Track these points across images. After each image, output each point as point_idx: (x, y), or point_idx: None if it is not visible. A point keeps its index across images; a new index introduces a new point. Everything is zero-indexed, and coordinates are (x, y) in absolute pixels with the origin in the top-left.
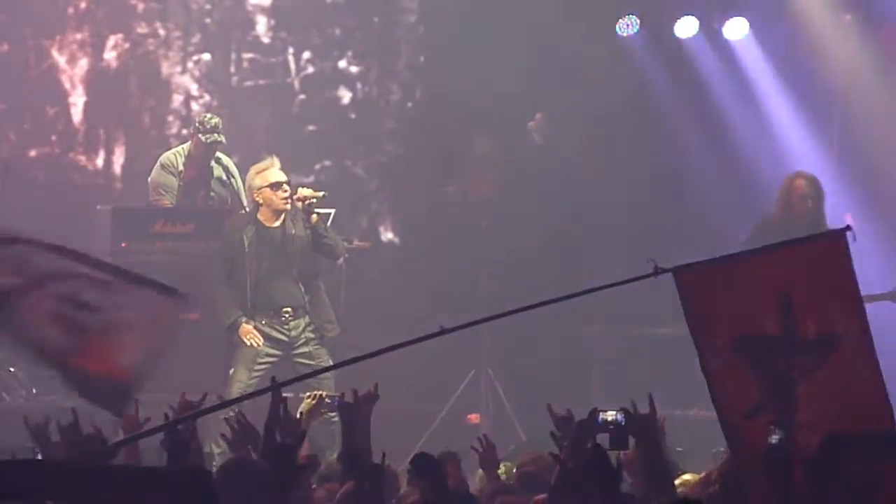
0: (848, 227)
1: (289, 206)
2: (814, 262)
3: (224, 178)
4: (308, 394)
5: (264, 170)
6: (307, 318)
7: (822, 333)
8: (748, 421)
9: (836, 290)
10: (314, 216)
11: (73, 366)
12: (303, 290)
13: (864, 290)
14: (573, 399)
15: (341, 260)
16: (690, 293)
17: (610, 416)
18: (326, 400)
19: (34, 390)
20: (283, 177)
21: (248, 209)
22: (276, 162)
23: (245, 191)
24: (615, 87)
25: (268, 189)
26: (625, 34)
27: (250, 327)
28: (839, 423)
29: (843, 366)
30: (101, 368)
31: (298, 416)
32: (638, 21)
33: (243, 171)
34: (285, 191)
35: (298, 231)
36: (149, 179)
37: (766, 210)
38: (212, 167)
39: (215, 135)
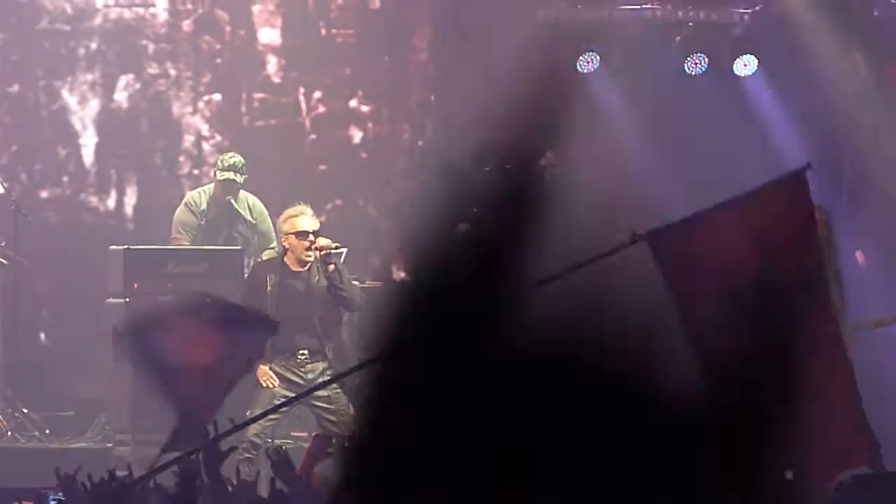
0: (808, 165)
1: (311, 257)
2: (779, 202)
3: (250, 219)
4: (315, 434)
5: (292, 217)
6: (325, 363)
7: (798, 275)
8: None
9: (800, 229)
10: (331, 266)
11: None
12: (322, 336)
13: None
14: None
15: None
16: (665, 256)
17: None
18: (333, 441)
19: (48, 431)
20: (310, 226)
21: (275, 249)
22: (307, 210)
23: (271, 234)
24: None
25: (293, 237)
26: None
27: (266, 369)
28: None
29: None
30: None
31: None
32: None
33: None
34: (310, 240)
35: (322, 279)
36: (174, 217)
37: None
38: (237, 208)
39: (229, 173)
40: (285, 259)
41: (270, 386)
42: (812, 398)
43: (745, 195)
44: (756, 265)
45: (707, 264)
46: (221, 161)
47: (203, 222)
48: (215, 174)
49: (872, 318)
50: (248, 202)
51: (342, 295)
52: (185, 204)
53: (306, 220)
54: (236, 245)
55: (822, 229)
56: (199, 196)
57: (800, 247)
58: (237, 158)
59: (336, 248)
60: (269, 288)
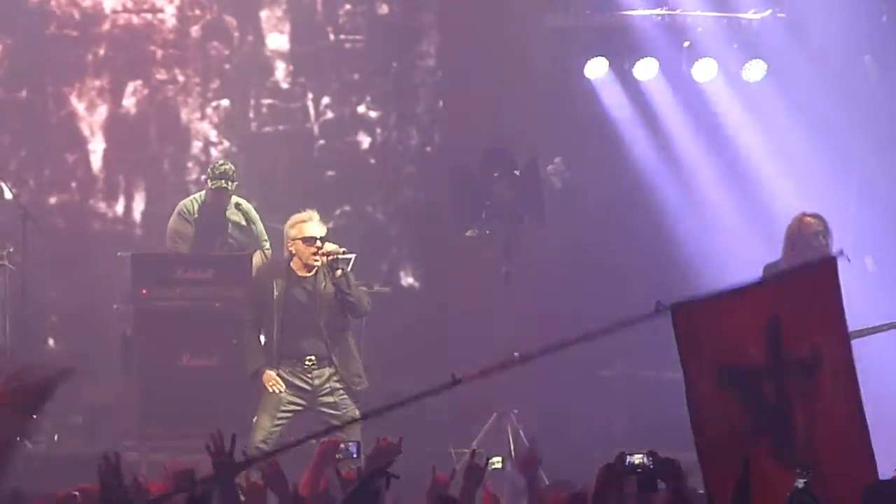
0: (840, 252)
1: (318, 263)
2: (804, 287)
3: (243, 223)
4: (323, 440)
5: (300, 222)
6: (332, 369)
7: (810, 356)
8: (734, 443)
9: (825, 315)
10: (339, 272)
11: None
12: (329, 342)
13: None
14: (596, 441)
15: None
16: (684, 328)
17: (637, 459)
18: (342, 446)
19: (56, 437)
20: (318, 232)
21: (268, 254)
22: (315, 216)
23: (267, 243)
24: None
25: (300, 242)
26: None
27: (273, 374)
28: (828, 461)
29: (828, 399)
30: None
31: (315, 460)
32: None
33: (262, 217)
34: (318, 247)
35: (329, 285)
36: (168, 227)
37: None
38: (228, 214)
39: (221, 181)
40: (291, 265)
41: (277, 391)
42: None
43: (775, 277)
44: (765, 349)
45: (716, 340)
46: (212, 169)
47: (196, 230)
48: (207, 182)
49: (868, 326)
50: (242, 208)
51: (350, 300)
52: (178, 213)
53: (314, 225)
54: (231, 250)
55: (825, 236)
56: (191, 204)
57: (822, 331)
58: (228, 166)
59: (343, 253)
60: (275, 293)
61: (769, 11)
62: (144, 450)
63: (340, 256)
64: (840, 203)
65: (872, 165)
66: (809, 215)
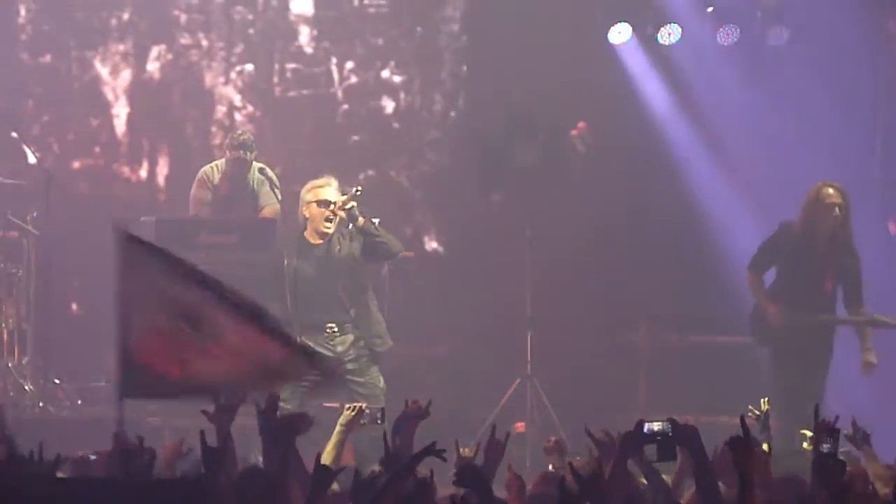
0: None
1: (330, 229)
2: None
3: (267, 190)
4: (349, 405)
5: (318, 187)
6: (354, 334)
7: None
8: None
9: None
10: (360, 220)
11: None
12: (348, 307)
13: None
14: (618, 407)
15: (385, 269)
16: None
17: (656, 426)
18: (366, 411)
19: (79, 401)
20: (335, 197)
21: (277, 206)
22: (334, 182)
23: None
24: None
25: (315, 205)
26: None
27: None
28: None
29: None
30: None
31: (339, 427)
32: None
33: (285, 183)
34: (332, 213)
35: (344, 248)
36: (190, 194)
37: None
38: (251, 180)
39: (240, 152)
40: (305, 234)
41: None
42: None
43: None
44: None
45: None
46: (231, 139)
47: (216, 198)
48: (226, 151)
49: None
50: (264, 172)
51: (381, 242)
52: (199, 180)
53: (331, 191)
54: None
55: (842, 209)
56: (211, 171)
57: None
58: (246, 136)
59: (356, 191)
60: (287, 261)
61: None
62: (168, 414)
63: (353, 202)
64: (864, 168)
65: None
66: (830, 185)
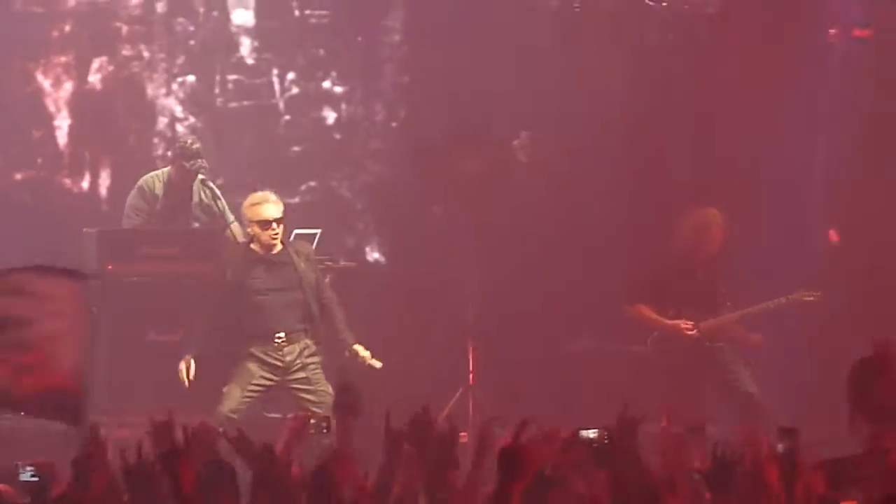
0: None
1: (277, 243)
2: None
3: (207, 201)
4: (292, 415)
5: (256, 204)
6: (302, 344)
7: None
8: None
9: None
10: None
11: (15, 391)
12: (298, 317)
13: None
14: (560, 417)
15: (327, 279)
16: None
17: (592, 433)
18: (312, 421)
19: (22, 413)
20: (275, 213)
21: (234, 234)
22: (271, 196)
23: (234, 220)
24: (607, 100)
25: (256, 226)
26: None
27: (187, 366)
28: None
29: None
30: (45, 383)
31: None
32: None
33: (227, 194)
34: (273, 229)
35: (301, 264)
36: (127, 202)
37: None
38: (194, 191)
39: (199, 160)
40: (251, 245)
41: (185, 382)
42: None
43: None
44: None
45: None
46: (184, 149)
47: (158, 207)
48: (178, 161)
49: None
50: (205, 184)
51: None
52: (139, 188)
53: (270, 207)
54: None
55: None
56: (153, 181)
57: None
58: (198, 145)
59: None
60: (237, 272)
61: None
62: (111, 425)
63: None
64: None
65: None
66: (718, 214)
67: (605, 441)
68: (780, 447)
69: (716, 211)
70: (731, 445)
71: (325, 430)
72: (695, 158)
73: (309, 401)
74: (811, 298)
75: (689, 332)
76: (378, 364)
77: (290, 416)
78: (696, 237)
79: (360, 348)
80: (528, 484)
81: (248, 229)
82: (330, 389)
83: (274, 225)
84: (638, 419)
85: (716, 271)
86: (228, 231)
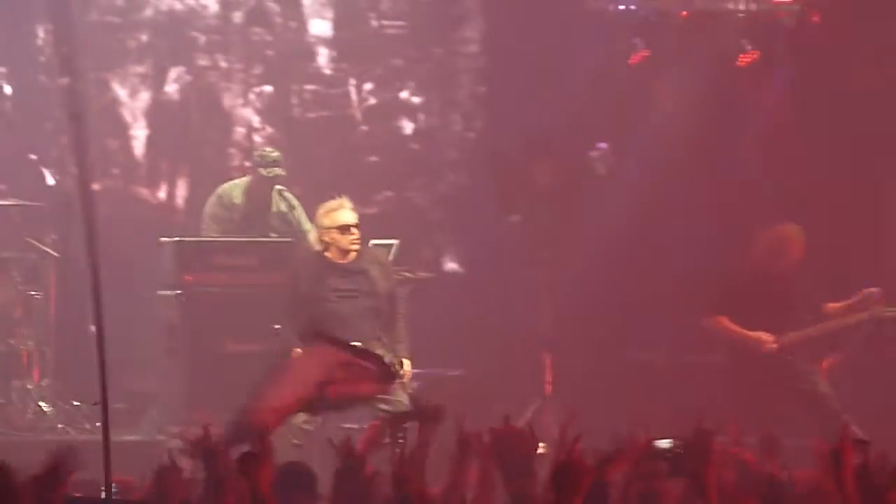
0: None
1: (356, 248)
2: None
3: (285, 211)
4: (372, 423)
5: (333, 210)
6: (380, 352)
7: None
8: None
9: None
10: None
11: None
12: (374, 325)
13: None
14: (635, 427)
15: (405, 290)
16: None
17: (665, 444)
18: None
19: (98, 423)
20: (352, 219)
21: (311, 243)
22: (346, 202)
23: (312, 226)
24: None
25: (336, 231)
26: None
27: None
28: None
29: None
30: None
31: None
32: None
33: (305, 204)
34: (353, 233)
35: (374, 271)
36: (204, 210)
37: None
38: (272, 201)
39: (277, 169)
40: (326, 253)
41: None
42: None
43: None
44: None
45: None
46: (263, 157)
47: (236, 216)
48: (256, 169)
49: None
50: (285, 195)
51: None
52: (218, 197)
53: (347, 213)
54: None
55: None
56: (231, 189)
57: None
58: (277, 153)
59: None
60: (311, 281)
61: None
62: (188, 436)
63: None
64: None
65: None
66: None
67: (680, 451)
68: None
69: (796, 226)
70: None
71: (400, 440)
72: (773, 170)
73: (384, 410)
74: (892, 314)
75: (770, 346)
76: (408, 390)
77: (366, 425)
78: (776, 251)
79: (406, 363)
80: (586, 496)
81: (325, 237)
82: (404, 399)
83: (353, 230)
84: (713, 430)
85: (795, 285)
86: (306, 241)
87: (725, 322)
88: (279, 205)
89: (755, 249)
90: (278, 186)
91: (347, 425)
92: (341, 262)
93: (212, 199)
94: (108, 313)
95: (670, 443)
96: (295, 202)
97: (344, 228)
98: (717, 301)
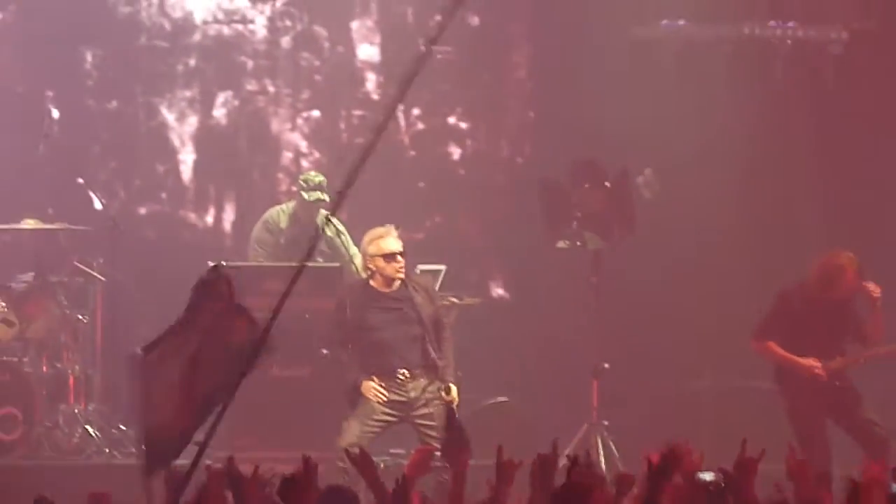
0: None
1: (402, 276)
2: None
3: (331, 236)
4: (418, 447)
5: (378, 238)
6: (426, 380)
7: None
8: None
9: None
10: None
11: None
12: (420, 353)
13: None
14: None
15: (452, 317)
16: None
17: (708, 476)
18: (437, 454)
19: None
20: (397, 247)
21: (357, 268)
22: (393, 230)
23: (358, 254)
24: (726, 138)
25: (381, 259)
26: None
27: (373, 384)
28: None
29: None
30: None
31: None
32: None
33: (352, 229)
34: (399, 261)
35: (418, 298)
36: (251, 234)
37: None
38: (319, 226)
39: (319, 192)
40: (371, 282)
41: (380, 400)
42: None
43: None
44: None
45: None
46: (306, 181)
47: (282, 241)
48: (299, 193)
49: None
50: (329, 219)
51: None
52: (264, 222)
53: (393, 241)
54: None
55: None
56: (277, 214)
57: None
58: (321, 178)
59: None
60: (357, 309)
61: None
62: (238, 461)
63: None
64: None
65: None
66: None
67: (722, 485)
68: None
69: (851, 254)
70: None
71: (445, 465)
72: (819, 196)
73: (432, 437)
74: None
75: (819, 372)
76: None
77: (413, 450)
78: (829, 278)
79: (453, 389)
80: None
81: (370, 264)
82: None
83: (398, 257)
84: (756, 459)
85: (847, 313)
86: (353, 266)
87: (775, 348)
88: (326, 229)
89: (810, 275)
90: (323, 212)
91: (394, 451)
92: (386, 290)
93: (258, 224)
94: (155, 337)
95: (712, 475)
96: (341, 227)
97: (389, 257)
98: (767, 325)
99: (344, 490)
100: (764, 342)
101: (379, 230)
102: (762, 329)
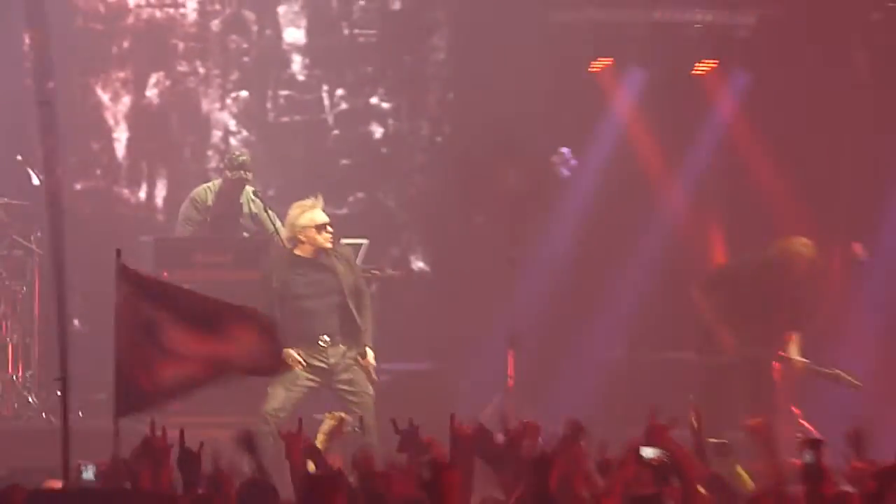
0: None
1: (330, 245)
2: None
3: (255, 212)
4: (329, 414)
5: (309, 209)
6: (346, 346)
7: None
8: None
9: None
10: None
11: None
12: (341, 320)
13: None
14: (598, 422)
15: (373, 288)
16: None
17: (650, 453)
18: (348, 419)
19: (80, 413)
20: (326, 217)
21: (284, 242)
22: (321, 201)
23: (283, 228)
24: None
25: (313, 230)
26: None
27: (292, 352)
28: None
29: None
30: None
31: (321, 436)
32: None
33: (278, 205)
34: (329, 231)
35: (340, 268)
36: (179, 212)
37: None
38: (243, 203)
39: (241, 172)
40: (296, 251)
41: (298, 368)
42: None
43: None
44: None
45: None
46: (231, 160)
47: (208, 218)
48: (224, 172)
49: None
50: (248, 196)
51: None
52: (192, 199)
53: (322, 212)
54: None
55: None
56: (204, 192)
57: None
58: (245, 157)
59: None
60: (283, 277)
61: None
62: (169, 426)
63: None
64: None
65: None
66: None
67: (665, 461)
68: (806, 457)
69: (806, 240)
70: None
71: (357, 429)
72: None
73: (352, 402)
74: (854, 387)
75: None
76: (374, 377)
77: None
78: (786, 263)
79: (370, 353)
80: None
81: (301, 235)
82: (371, 391)
83: (328, 227)
84: (665, 426)
85: (789, 300)
86: (276, 238)
87: (703, 303)
88: (250, 206)
89: (766, 255)
90: (249, 188)
91: (318, 416)
92: (310, 258)
93: (186, 202)
94: (91, 309)
95: (655, 452)
96: (263, 204)
97: (321, 227)
98: (713, 282)
99: (260, 482)
100: (705, 298)
101: (308, 202)
102: (709, 283)
